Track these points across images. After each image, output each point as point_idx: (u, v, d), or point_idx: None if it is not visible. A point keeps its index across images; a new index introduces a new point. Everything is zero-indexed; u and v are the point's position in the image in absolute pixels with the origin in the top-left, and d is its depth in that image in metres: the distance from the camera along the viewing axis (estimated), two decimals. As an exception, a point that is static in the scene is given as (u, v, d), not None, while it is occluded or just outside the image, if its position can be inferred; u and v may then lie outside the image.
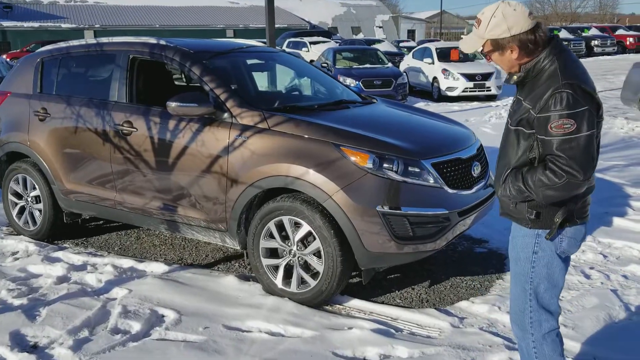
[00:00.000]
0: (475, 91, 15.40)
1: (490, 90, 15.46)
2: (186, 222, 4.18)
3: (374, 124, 4.01)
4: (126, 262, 4.45)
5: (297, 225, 3.66)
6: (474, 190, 3.79)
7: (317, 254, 3.62)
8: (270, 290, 3.82)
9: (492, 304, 3.62)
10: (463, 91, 15.33)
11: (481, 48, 2.16)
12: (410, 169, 3.50)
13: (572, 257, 2.42)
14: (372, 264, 3.55)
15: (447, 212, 3.53)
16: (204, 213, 4.05)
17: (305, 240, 3.69)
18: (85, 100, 4.62)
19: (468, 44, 2.21)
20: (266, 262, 3.82)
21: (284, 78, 5.46)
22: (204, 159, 3.94)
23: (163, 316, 3.58)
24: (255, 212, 3.85)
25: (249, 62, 5.09)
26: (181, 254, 4.77)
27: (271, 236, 3.78)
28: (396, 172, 3.46)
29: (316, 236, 3.55)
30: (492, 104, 14.58)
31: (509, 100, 15.13)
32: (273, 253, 3.86)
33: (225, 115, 3.90)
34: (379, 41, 25.61)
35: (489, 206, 4.02)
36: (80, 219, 5.18)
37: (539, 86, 2.03)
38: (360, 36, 44.56)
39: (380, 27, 52.40)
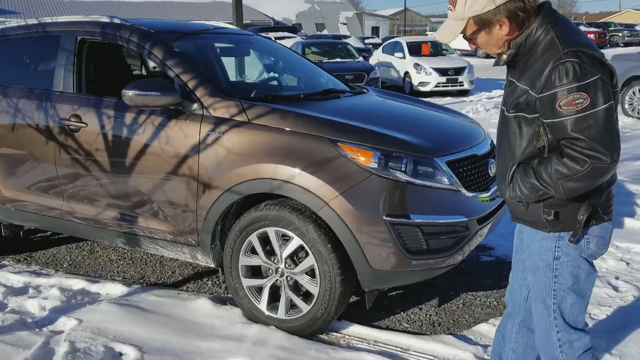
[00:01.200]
0: (448, 86, 14.98)
1: (462, 85, 15.08)
2: (148, 235, 3.49)
3: (373, 116, 3.41)
4: (76, 283, 3.73)
5: (285, 239, 3.03)
6: (490, 192, 3.22)
7: (311, 272, 3.00)
8: (253, 316, 3.17)
9: (518, 327, 3.06)
10: (436, 86, 14.91)
11: (462, 33, 1.85)
12: (421, 168, 2.91)
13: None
14: (378, 284, 2.94)
15: (466, 219, 2.94)
16: (170, 224, 3.37)
17: (295, 257, 3.05)
18: (25, 91, 3.87)
19: (446, 31, 1.88)
20: (247, 282, 3.17)
21: (261, 64, 4.80)
22: (170, 159, 3.26)
23: (121, 355, 2.89)
24: (233, 222, 3.20)
25: (220, 45, 4.42)
26: (143, 270, 4.07)
27: (253, 252, 3.13)
28: (405, 172, 2.86)
29: (309, 251, 2.93)
30: (466, 99, 14.20)
31: (482, 95, 14.79)
32: (256, 272, 3.21)
33: (195, 106, 3.23)
34: (346, 37, 25.05)
35: (504, 212, 3.46)
36: (22, 231, 4.42)
37: (534, 61, 1.75)
38: (325, 32, 44.07)
39: (344, 24, 52.02)
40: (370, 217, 2.80)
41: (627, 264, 3.95)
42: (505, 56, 1.82)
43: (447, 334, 3.08)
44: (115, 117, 3.45)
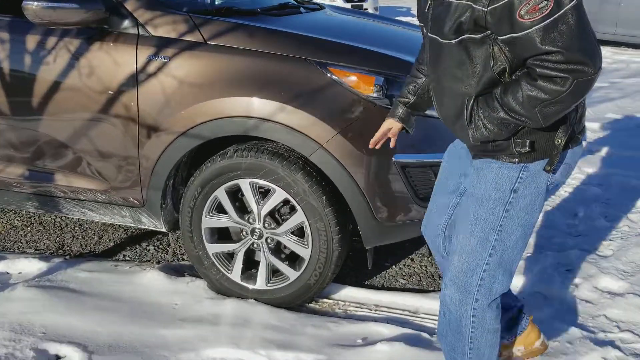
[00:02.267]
0: (354, 12, 14.37)
1: (367, 11, 14.56)
2: (71, 197, 2.70)
3: (355, 34, 2.78)
4: (-27, 262, 2.88)
5: (262, 192, 2.40)
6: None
7: (298, 232, 2.42)
8: (223, 289, 2.56)
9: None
10: (341, 13, 14.24)
11: None
12: (429, 96, 2.36)
13: None
14: (382, 240, 2.42)
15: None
16: (101, 181, 2.60)
17: (276, 213, 2.44)
18: None
19: None
20: (214, 248, 2.53)
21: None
22: (95, 96, 2.46)
23: (60, 359, 2.19)
24: (192, 175, 2.51)
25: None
26: (60, 238, 3.26)
27: (220, 210, 2.48)
28: (413, 101, 2.30)
29: (297, 206, 2.33)
30: (374, 26, 13.70)
31: (389, 22, 14.37)
32: (223, 235, 2.58)
33: (126, 23, 2.42)
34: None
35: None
36: None
37: None
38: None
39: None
40: (376, 159, 2.24)
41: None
42: None
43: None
44: (15, 41, 2.54)
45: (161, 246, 3.15)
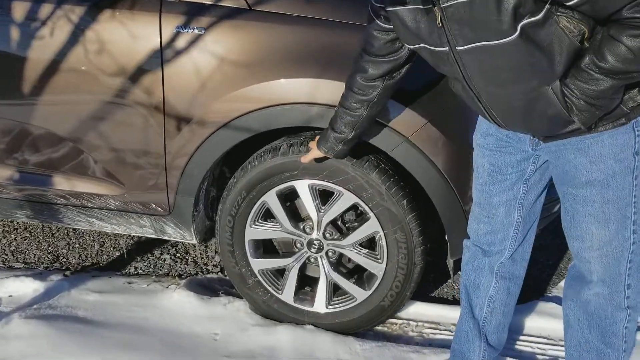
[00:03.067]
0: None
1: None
2: (75, 204, 2.19)
3: None
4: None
5: (323, 196, 1.94)
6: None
7: (366, 243, 1.98)
8: (271, 311, 2.11)
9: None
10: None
11: None
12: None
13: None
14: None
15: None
16: (114, 185, 2.10)
17: (340, 222, 2.00)
18: None
19: None
20: (260, 264, 2.07)
21: None
22: (106, 79, 1.95)
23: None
24: (225, 173, 2.04)
25: None
26: (53, 247, 2.74)
27: (267, 218, 2.01)
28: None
29: (371, 213, 1.88)
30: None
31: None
32: (269, 248, 2.12)
33: (145, -15, 1.90)
34: None
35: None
36: None
37: None
38: None
39: None
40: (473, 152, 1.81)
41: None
42: None
43: (538, 300, 2.27)
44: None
45: (178, 254, 2.67)
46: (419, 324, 2.16)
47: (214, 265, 2.58)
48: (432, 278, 2.41)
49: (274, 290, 2.08)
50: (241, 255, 2.05)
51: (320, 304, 2.05)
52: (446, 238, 1.91)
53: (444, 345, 2.04)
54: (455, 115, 1.79)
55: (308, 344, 1.97)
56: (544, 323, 2.10)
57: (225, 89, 1.86)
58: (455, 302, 2.32)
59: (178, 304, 2.19)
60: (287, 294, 2.07)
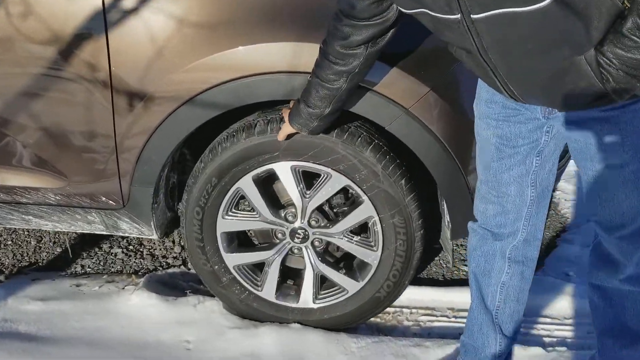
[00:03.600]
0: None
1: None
2: (6, 200, 1.83)
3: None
4: None
5: (307, 179, 1.69)
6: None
7: (359, 230, 1.75)
8: (250, 311, 1.85)
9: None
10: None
11: None
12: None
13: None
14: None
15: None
16: (53, 176, 1.76)
17: (327, 207, 1.75)
18: None
19: None
20: (235, 259, 1.80)
21: None
22: (35, 48, 1.59)
23: None
24: (200, 160, 1.74)
25: None
26: (-18, 247, 2.36)
27: (239, 207, 1.74)
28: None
29: (364, 196, 1.64)
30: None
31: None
32: (244, 240, 1.86)
33: None
34: None
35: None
36: None
37: None
38: None
39: None
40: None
41: None
42: None
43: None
44: None
45: (131, 247, 2.34)
46: (413, 311, 1.97)
47: (174, 258, 2.28)
48: (418, 257, 2.22)
49: (253, 287, 1.82)
50: (213, 251, 1.77)
51: (306, 299, 1.81)
52: (447, 219, 1.71)
53: (443, 334, 1.87)
54: (460, 81, 1.56)
55: (296, 345, 1.74)
56: (545, 301, 1.96)
57: (186, 57, 1.54)
58: (446, 282, 2.14)
59: (139, 308, 1.90)
60: (268, 291, 1.82)
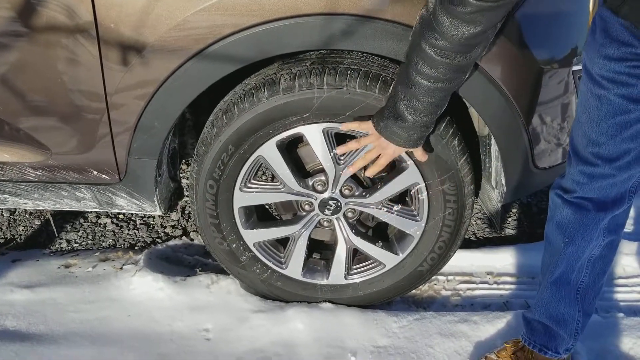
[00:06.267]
0: None
1: None
2: (-26, 177, 1.53)
3: None
4: None
5: (336, 142, 1.43)
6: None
7: (398, 199, 1.53)
8: (273, 290, 1.63)
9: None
10: None
11: None
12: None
13: None
14: (522, 193, 1.61)
15: None
16: (32, 148, 1.46)
17: (364, 177, 1.50)
18: None
19: None
20: (256, 236, 1.55)
21: None
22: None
23: None
24: (211, 124, 1.46)
25: None
26: (-53, 224, 2.05)
27: (258, 177, 1.49)
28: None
29: (409, 161, 1.40)
30: None
31: None
32: (263, 213, 1.61)
33: None
34: None
35: None
36: None
37: None
38: None
39: None
40: (552, 73, 1.35)
41: None
42: None
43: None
44: None
45: (121, 216, 2.07)
46: (450, 278, 1.79)
47: (172, 227, 2.03)
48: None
49: (276, 265, 1.59)
50: (230, 228, 1.52)
51: (337, 275, 1.60)
52: (502, 181, 1.48)
53: (486, 303, 1.70)
54: (523, 22, 1.29)
55: (332, 329, 1.54)
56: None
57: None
58: (478, 241, 1.96)
59: (144, 293, 1.65)
60: (294, 268, 1.59)
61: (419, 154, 1.31)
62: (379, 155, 1.31)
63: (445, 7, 1.03)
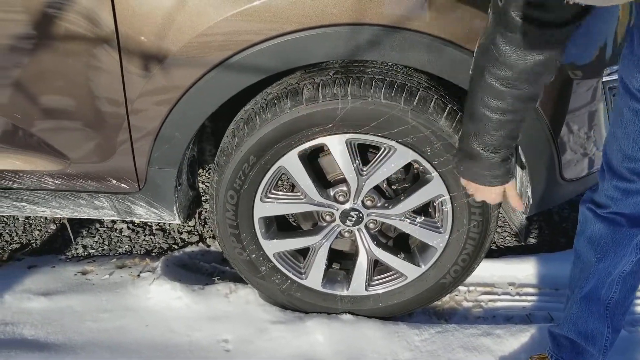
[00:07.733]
0: None
1: None
2: (-8, 185, 1.51)
3: None
4: None
5: (362, 154, 1.40)
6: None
7: (421, 211, 1.50)
8: (292, 301, 1.61)
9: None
10: None
11: None
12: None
13: None
14: (547, 205, 1.57)
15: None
16: (50, 157, 1.44)
17: (386, 187, 1.48)
18: None
19: None
20: (276, 246, 1.53)
21: None
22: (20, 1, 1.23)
23: None
24: (232, 134, 1.43)
25: None
26: (-37, 228, 2.04)
27: (278, 187, 1.47)
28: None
29: (434, 172, 1.37)
30: None
31: None
32: (283, 223, 1.59)
33: None
34: None
35: None
36: None
37: None
38: None
39: None
40: (581, 82, 1.32)
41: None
42: None
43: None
44: None
45: (137, 221, 2.06)
46: (471, 288, 1.76)
47: (189, 233, 2.01)
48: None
49: (296, 276, 1.57)
50: (250, 238, 1.50)
51: (358, 286, 1.57)
52: (528, 193, 1.45)
53: (509, 316, 1.67)
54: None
55: (353, 342, 1.51)
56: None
57: (220, 7, 1.20)
58: (499, 250, 1.93)
59: (162, 301, 1.64)
60: (314, 279, 1.57)
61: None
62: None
63: (504, 35, 0.98)
